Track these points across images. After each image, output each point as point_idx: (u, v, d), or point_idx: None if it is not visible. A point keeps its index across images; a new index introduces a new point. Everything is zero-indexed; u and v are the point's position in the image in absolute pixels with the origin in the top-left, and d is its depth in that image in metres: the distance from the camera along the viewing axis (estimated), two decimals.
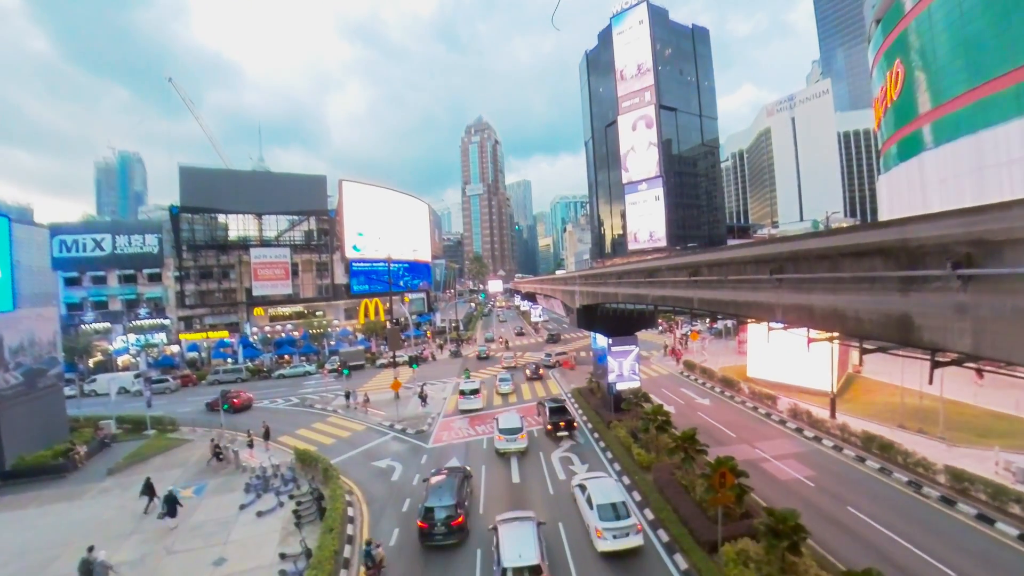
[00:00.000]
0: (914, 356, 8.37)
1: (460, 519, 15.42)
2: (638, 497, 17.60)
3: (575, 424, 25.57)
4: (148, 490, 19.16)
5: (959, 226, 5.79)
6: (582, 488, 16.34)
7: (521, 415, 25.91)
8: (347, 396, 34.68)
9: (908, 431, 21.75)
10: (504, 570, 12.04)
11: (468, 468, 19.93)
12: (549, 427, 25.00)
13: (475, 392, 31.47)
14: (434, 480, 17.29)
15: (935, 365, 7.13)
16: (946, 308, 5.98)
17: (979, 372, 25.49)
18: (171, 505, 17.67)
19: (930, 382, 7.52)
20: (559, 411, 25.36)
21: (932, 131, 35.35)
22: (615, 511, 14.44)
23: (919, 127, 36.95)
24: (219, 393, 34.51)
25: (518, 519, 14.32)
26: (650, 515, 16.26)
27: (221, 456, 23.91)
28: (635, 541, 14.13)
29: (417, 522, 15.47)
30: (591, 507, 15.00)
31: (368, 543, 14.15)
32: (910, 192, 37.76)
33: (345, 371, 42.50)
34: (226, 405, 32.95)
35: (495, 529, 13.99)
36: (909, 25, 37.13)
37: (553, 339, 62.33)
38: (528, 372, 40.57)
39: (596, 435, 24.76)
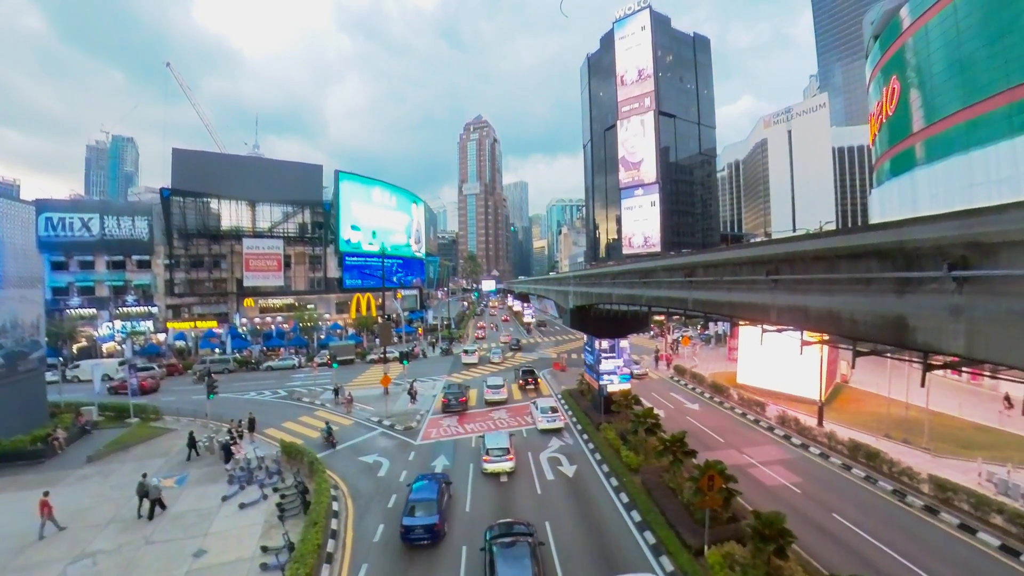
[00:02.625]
0: (906, 359, 8.42)
1: (464, 399, 30.13)
2: (625, 499, 17.60)
3: (539, 380, 36.22)
4: (191, 442, 22.84)
5: (955, 228, 5.81)
6: (535, 404, 27.47)
7: (503, 378, 35.71)
8: (336, 392, 34.35)
9: (893, 441, 22.00)
10: (488, 449, 20.17)
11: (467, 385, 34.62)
12: (521, 382, 35.47)
13: (474, 352, 47.24)
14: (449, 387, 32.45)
15: (928, 368, 7.17)
16: (941, 310, 6.00)
17: (1008, 402, 25.41)
18: (227, 451, 21.18)
19: (922, 384, 7.57)
20: (528, 372, 36.27)
21: (925, 148, 35.87)
22: (551, 410, 26.08)
23: (912, 144, 37.47)
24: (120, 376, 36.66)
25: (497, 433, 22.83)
26: (637, 517, 16.21)
27: (234, 442, 23.56)
28: (559, 423, 25.76)
29: (442, 399, 30.61)
30: (537, 409, 26.52)
31: (327, 423, 25.31)
32: (901, 207, 38.26)
33: (335, 364, 42.22)
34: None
35: (483, 437, 21.79)
36: (906, 42, 37.66)
37: (540, 325, 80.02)
38: (511, 346, 56.12)
39: (585, 436, 24.70)
